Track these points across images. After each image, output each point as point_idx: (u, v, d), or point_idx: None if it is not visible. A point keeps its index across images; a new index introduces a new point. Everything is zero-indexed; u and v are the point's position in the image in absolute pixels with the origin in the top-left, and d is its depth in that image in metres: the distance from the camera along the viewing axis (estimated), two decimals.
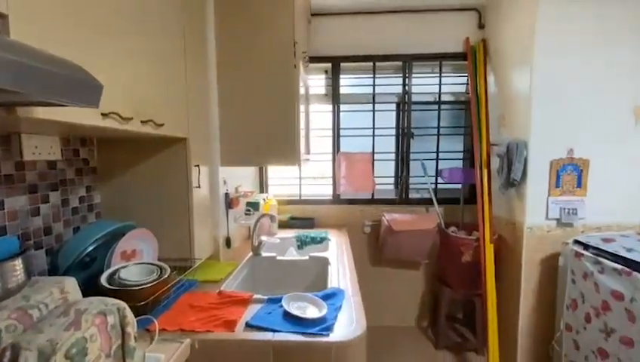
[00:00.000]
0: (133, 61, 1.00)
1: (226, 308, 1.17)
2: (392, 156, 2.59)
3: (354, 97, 2.56)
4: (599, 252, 1.56)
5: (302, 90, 1.97)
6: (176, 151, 1.35)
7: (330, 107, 2.51)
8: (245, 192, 1.87)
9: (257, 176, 2.54)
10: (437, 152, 2.51)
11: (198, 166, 1.39)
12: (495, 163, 2.09)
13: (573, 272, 1.67)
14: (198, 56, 1.46)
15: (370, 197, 2.56)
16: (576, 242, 1.69)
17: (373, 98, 2.48)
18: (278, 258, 1.72)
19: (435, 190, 2.50)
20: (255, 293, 1.25)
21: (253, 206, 1.84)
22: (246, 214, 1.85)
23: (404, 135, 2.51)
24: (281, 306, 1.14)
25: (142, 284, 1.04)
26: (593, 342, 1.55)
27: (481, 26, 2.35)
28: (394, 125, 2.58)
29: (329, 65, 2.47)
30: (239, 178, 1.97)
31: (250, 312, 1.13)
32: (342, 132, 2.53)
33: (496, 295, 2.00)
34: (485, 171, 2.10)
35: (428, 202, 2.47)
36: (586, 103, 1.82)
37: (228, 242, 1.69)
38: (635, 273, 1.36)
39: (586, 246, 1.64)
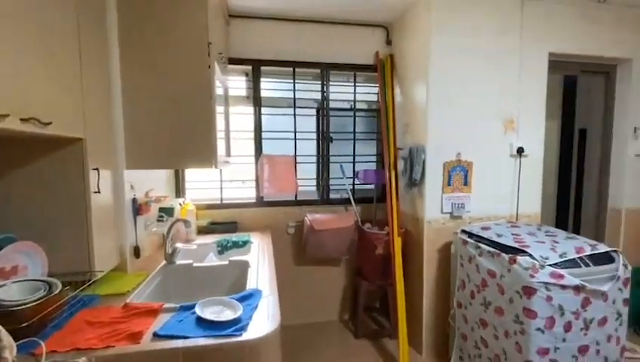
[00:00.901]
0: (11, 55, 0.88)
1: (131, 320, 1.09)
2: (314, 159, 2.71)
3: (275, 100, 2.61)
4: (479, 238, 1.87)
5: (220, 91, 1.94)
6: (71, 152, 1.21)
7: (251, 109, 2.51)
8: (157, 197, 1.76)
9: (173, 179, 2.40)
10: (353, 155, 2.71)
11: (97, 169, 1.27)
12: (401, 165, 2.35)
13: (462, 257, 1.97)
14: (96, 53, 1.34)
15: (293, 198, 2.62)
16: (463, 231, 2.00)
17: (294, 102, 2.56)
18: (195, 265, 1.66)
19: (353, 190, 2.69)
20: (168, 303, 1.20)
21: (167, 211, 1.74)
22: (158, 221, 1.74)
23: (323, 139, 2.64)
24: (194, 313, 1.11)
25: (23, 304, 0.92)
26: (477, 314, 1.85)
27: (388, 42, 2.61)
28: (314, 129, 2.70)
29: (249, 67, 2.47)
30: (151, 182, 1.84)
31: (159, 322, 1.08)
32: (264, 134, 2.54)
33: (404, 282, 2.24)
34: (393, 172, 2.34)
35: (347, 202, 2.64)
36: (469, 115, 2.17)
37: (136, 251, 1.57)
38: (502, 254, 1.66)
39: (470, 235, 1.95)
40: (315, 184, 2.74)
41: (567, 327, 1.52)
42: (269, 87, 2.62)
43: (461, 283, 1.98)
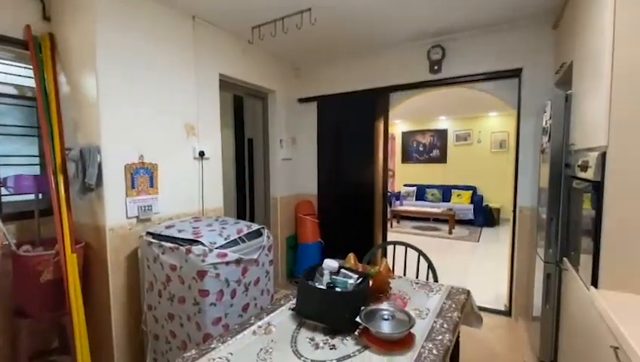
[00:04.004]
0: None
1: None
2: None
3: None
4: (162, 237, 1.94)
5: None
6: None
7: None
8: None
9: None
10: None
11: None
12: (72, 168, 1.99)
13: (148, 259, 1.96)
14: None
15: None
16: (148, 233, 2.00)
17: None
18: None
19: None
20: None
21: None
22: None
23: None
24: None
25: None
26: (165, 310, 1.92)
27: (47, 18, 2.13)
28: None
29: None
30: None
31: None
32: None
33: (88, 303, 1.93)
34: (61, 177, 1.95)
35: None
36: (151, 116, 2.19)
37: None
38: (180, 247, 1.82)
39: (154, 236, 1.98)
40: None
41: (233, 294, 1.90)
42: None
43: (149, 285, 1.98)
